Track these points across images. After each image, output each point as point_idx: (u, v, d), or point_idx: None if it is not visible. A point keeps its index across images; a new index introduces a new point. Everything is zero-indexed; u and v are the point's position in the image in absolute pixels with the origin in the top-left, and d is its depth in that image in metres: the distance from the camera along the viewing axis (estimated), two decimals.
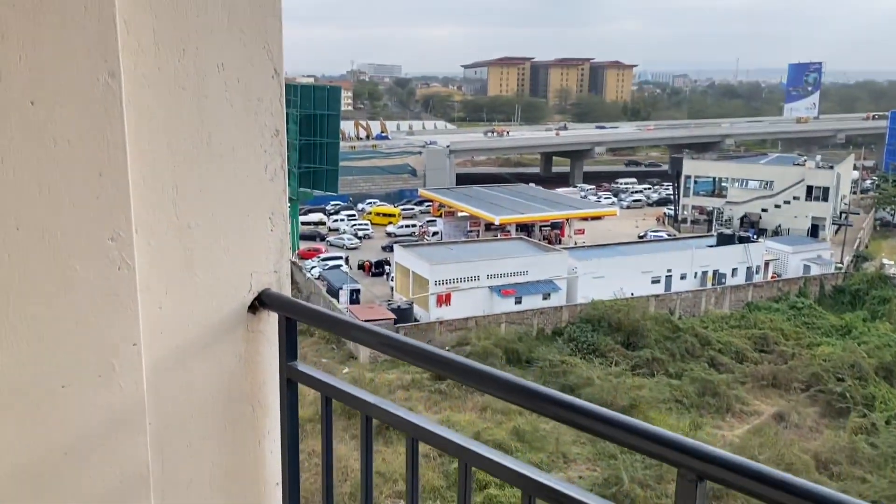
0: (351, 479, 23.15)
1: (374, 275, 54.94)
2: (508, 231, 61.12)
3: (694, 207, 75.25)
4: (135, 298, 1.97)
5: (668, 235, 67.10)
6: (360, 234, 66.27)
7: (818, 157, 76.80)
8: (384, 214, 73.35)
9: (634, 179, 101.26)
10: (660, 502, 27.37)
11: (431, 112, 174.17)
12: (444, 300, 45.89)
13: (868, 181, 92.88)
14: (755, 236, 62.05)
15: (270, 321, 2.28)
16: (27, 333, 1.88)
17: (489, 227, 62.73)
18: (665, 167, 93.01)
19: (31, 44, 1.77)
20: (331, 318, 2.23)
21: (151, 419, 2.07)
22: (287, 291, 2.32)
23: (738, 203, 72.08)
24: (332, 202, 74.35)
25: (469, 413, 34.02)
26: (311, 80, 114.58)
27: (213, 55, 2.07)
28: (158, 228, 2.05)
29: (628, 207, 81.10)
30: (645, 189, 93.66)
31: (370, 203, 79.56)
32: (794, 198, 69.35)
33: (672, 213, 76.78)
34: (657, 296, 50.11)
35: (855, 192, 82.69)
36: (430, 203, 75.41)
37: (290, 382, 2.25)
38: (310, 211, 69.45)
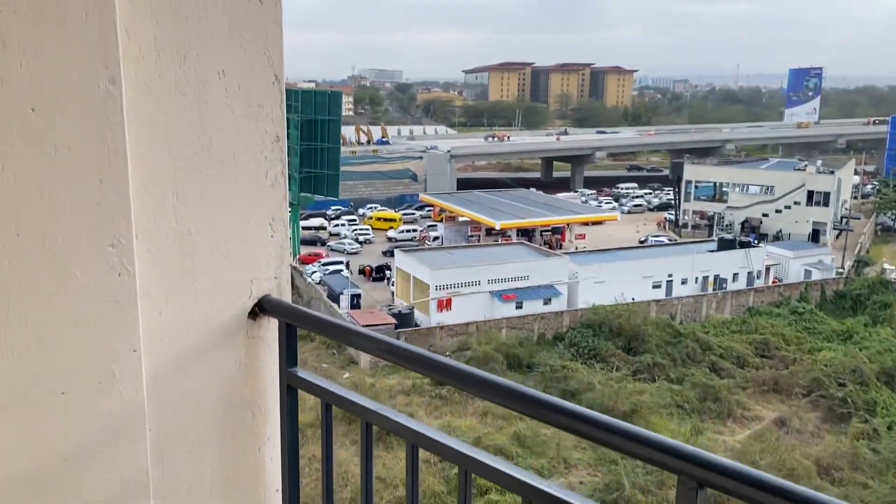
0: (351, 485, 23.12)
1: (374, 280, 54.94)
2: (509, 236, 61.13)
3: (695, 212, 75.23)
4: (135, 304, 1.97)
5: (669, 240, 67.09)
6: (361, 238, 66.28)
7: (819, 162, 76.86)
8: (385, 219, 73.37)
9: (635, 184, 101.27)
10: None
11: (432, 117, 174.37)
12: (444, 305, 45.87)
13: (869, 186, 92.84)
14: (756, 241, 62.03)
15: (271, 327, 2.27)
16: (27, 339, 1.88)
17: (490, 231, 62.74)
18: (666, 172, 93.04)
19: (33, 50, 1.77)
20: (331, 325, 2.23)
21: (151, 425, 2.07)
22: (287, 297, 2.31)
23: (738, 208, 72.07)
24: (333, 207, 74.38)
25: (470, 418, 33.99)
26: (312, 86, 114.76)
27: (213, 61, 2.07)
28: (159, 235, 2.05)
29: (629, 212, 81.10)
30: (646, 194, 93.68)
31: (371, 208, 79.59)
32: (795, 203, 69.33)
33: (673, 217, 76.78)
34: (658, 301, 50.08)
35: (856, 197, 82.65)
36: (431, 208, 75.43)
37: (290, 388, 2.24)
38: (311, 216, 69.48)
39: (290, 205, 55.11)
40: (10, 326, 1.85)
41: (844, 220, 69.36)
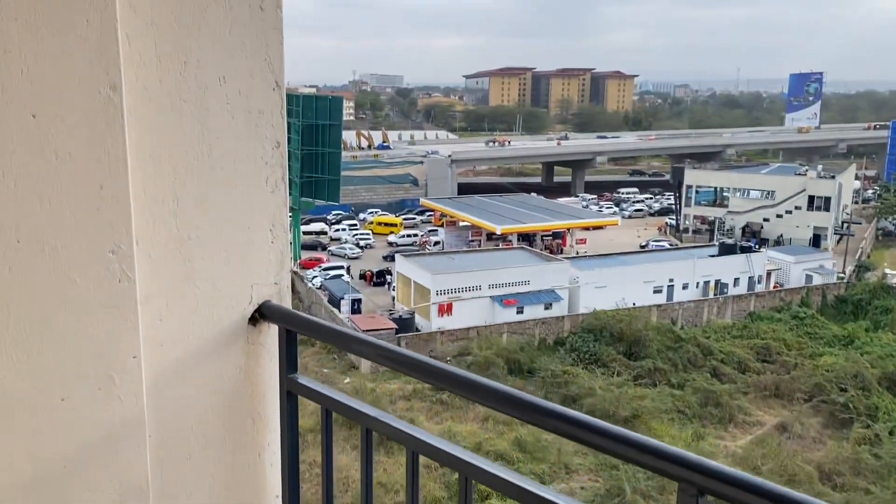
0: (352, 490, 23.09)
1: (375, 284, 54.94)
2: (510, 241, 61.13)
3: (695, 217, 75.23)
4: (135, 311, 1.97)
5: (670, 245, 67.08)
6: (362, 243, 66.29)
7: (819, 167, 76.84)
8: (386, 224, 73.40)
9: (636, 189, 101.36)
10: None
11: (433, 122, 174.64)
12: (445, 310, 45.85)
13: (870, 191, 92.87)
14: (757, 246, 62.02)
15: (271, 333, 2.27)
16: (27, 346, 1.87)
17: (491, 236, 62.75)
18: (668, 177, 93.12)
19: (34, 57, 1.78)
20: (331, 331, 2.22)
21: (151, 432, 2.06)
22: (288, 303, 2.31)
23: (739, 213, 72.07)
24: (334, 212, 74.43)
25: (471, 423, 33.94)
26: (313, 91, 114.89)
27: (214, 68, 2.08)
28: (159, 241, 2.05)
29: (630, 217, 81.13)
30: (646, 199, 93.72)
31: (372, 213, 79.63)
32: (796, 207, 69.33)
33: (674, 222, 76.78)
34: (659, 305, 50.04)
35: (857, 202, 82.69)
36: (432, 213, 75.47)
37: (291, 395, 2.24)
38: (311, 220, 69.52)
39: (291, 209, 54.97)
40: (9, 333, 1.85)
41: (845, 225, 69.32)
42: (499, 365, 40.39)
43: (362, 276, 56.09)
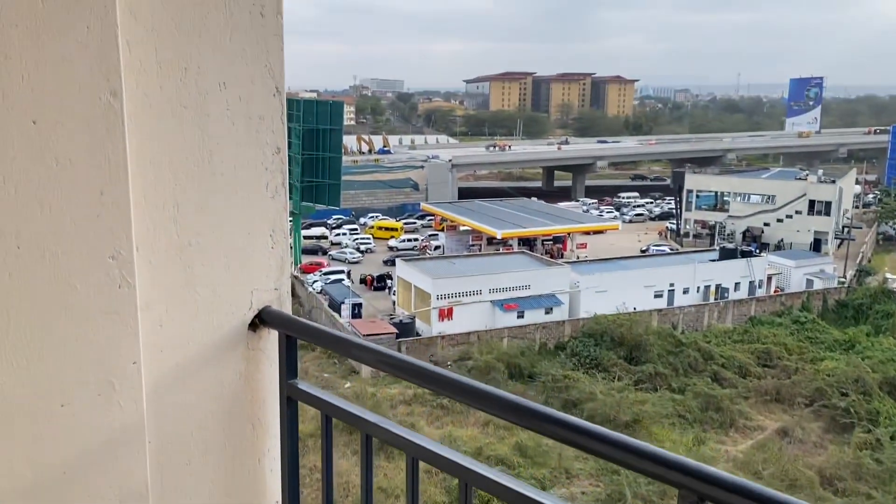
0: (352, 495, 23.03)
1: (376, 289, 54.92)
2: (510, 245, 61.15)
3: (696, 221, 75.25)
4: (135, 317, 1.97)
5: (671, 250, 67.05)
6: (363, 248, 66.28)
7: (820, 172, 76.89)
8: (386, 228, 73.42)
9: (637, 193, 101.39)
10: None
11: (433, 126, 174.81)
12: (446, 314, 45.83)
13: (870, 195, 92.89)
14: (757, 250, 62.01)
15: (271, 339, 2.27)
16: (27, 352, 1.87)
17: (491, 241, 62.76)
18: (669, 181, 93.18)
19: (34, 63, 1.78)
20: (331, 336, 2.22)
21: (151, 438, 2.06)
22: (288, 309, 2.31)
23: (740, 217, 72.08)
24: (335, 216, 74.47)
25: (471, 428, 33.90)
26: (313, 95, 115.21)
27: (214, 74, 2.08)
28: (159, 246, 2.05)
29: (630, 221, 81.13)
30: (647, 203, 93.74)
31: (372, 217, 79.67)
32: (797, 212, 69.33)
33: (674, 227, 76.80)
34: (660, 310, 50.02)
35: (857, 207, 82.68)
36: (433, 217, 75.49)
37: (290, 401, 2.24)
38: (312, 225, 69.55)
39: (292, 214, 55.29)
40: (9, 339, 1.85)
41: (846, 230, 69.34)
42: (499, 369, 40.36)
43: (363, 281, 56.08)
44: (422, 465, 1.91)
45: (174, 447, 2.14)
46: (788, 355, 44.76)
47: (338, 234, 70.89)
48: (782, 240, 68.43)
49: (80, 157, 1.85)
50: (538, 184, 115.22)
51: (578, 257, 60.63)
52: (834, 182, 70.78)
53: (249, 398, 2.27)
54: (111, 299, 1.94)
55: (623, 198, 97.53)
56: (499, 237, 61.39)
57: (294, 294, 50.06)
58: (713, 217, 73.71)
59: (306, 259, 59.95)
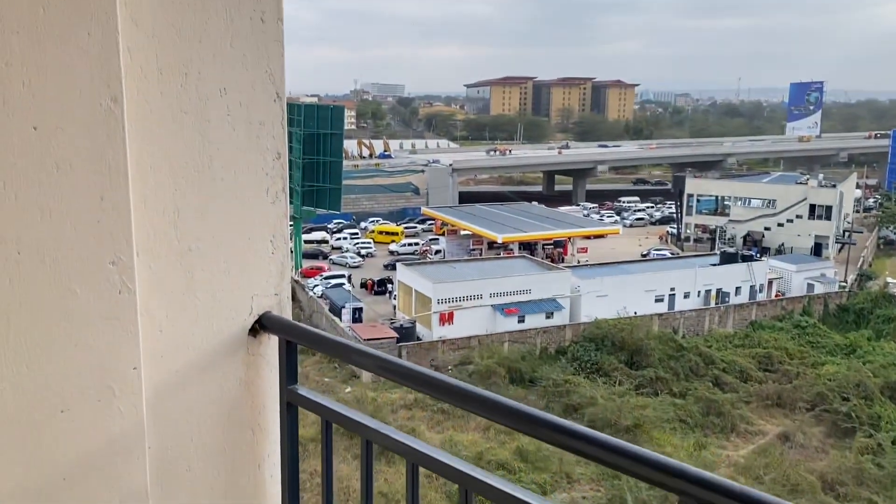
0: (352, 500, 22.99)
1: (376, 293, 54.91)
2: (511, 249, 61.12)
3: (697, 226, 75.22)
4: (135, 322, 1.97)
5: (672, 254, 67.05)
6: (363, 252, 66.28)
7: (820, 176, 76.89)
8: (387, 233, 73.42)
9: (637, 198, 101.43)
10: None
11: (434, 131, 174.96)
12: (446, 319, 45.80)
13: (871, 199, 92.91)
14: (758, 255, 61.96)
15: (271, 344, 2.27)
16: (27, 357, 1.87)
17: (492, 245, 62.74)
18: (670, 185, 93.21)
19: (35, 70, 1.78)
20: (331, 342, 2.22)
21: (151, 443, 2.06)
22: (288, 314, 2.31)
23: (740, 221, 72.06)
24: (335, 220, 74.50)
25: (472, 433, 33.85)
26: (314, 100, 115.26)
27: (215, 80, 2.09)
28: (159, 252, 2.05)
29: (631, 226, 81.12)
30: (648, 207, 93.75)
31: (373, 221, 79.69)
32: (797, 216, 69.31)
33: (675, 231, 76.78)
34: (661, 314, 49.98)
35: (858, 211, 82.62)
36: (433, 221, 75.47)
37: (290, 406, 2.24)
38: (313, 229, 69.56)
39: (293, 218, 55.35)
40: (9, 344, 1.85)
41: (847, 234, 69.29)
42: (500, 374, 40.32)
43: (363, 285, 56.07)
44: (422, 470, 1.91)
45: (174, 452, 2.14)
46: (790, 360, 44.71)
47: (338, 239, 70.89)
48: (783, 244, 68.39)
49: (80, 163, 1.85)
50: (539, 188, 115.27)
51: (579, 261, 60.58)
52: (834, 186, 70.77)
53: (249, 403, 2.27)
54: (111, 304, 1.94)
55: (624, 202, 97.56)
56: (499, 241, 61.36)
57: (295, 298, 50.06)
58: (714, 221, 73.69)
59: (307, 263, 59.97)
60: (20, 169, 1.80)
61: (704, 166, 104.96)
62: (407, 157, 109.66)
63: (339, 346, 2.18)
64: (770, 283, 55.74)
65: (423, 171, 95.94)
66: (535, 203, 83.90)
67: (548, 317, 47.32)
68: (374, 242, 69.47)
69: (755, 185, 76.47)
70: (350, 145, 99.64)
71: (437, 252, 65.72)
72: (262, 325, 2.25)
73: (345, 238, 70.89)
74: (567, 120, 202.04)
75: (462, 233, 66.87)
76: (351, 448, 22.16)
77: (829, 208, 68.24)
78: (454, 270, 50.98)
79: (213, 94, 2.09)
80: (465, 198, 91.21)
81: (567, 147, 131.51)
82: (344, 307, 46.95)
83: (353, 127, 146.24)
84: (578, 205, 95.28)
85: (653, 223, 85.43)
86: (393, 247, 68.43)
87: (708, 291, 53.19)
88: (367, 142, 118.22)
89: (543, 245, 64.24)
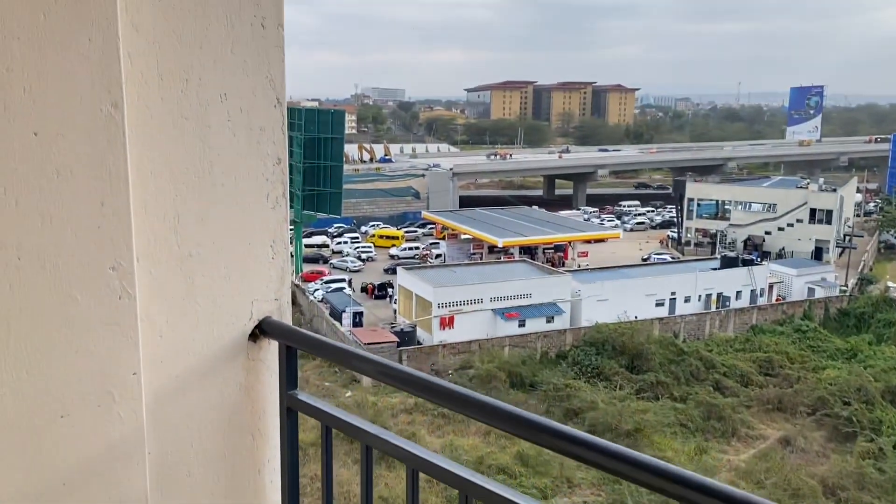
0: None
1: (377, 297, 54.91)
2: (511, 254, 61.15)
3: (697, 230, 75.26)
4: (135, 327, 1.98)
5: (672, 258, 67.04)
6: (364, 256, 66.31)
7: (821, 180, 76.92)
8: (387, 237, 73.44)
9: (638, 202, 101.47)
10: None
11: (435, 135, 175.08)
12: (447, 323, 45.79)
13: (871, 204, 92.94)
14: (759, 259, 61.97)
15: (271, 349, 2.27)
16: (27, 363, 1.87)
17: (492, 249, 62.76)
18: (671, 190, 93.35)
19: (36, 75, 1.79)
20: (331, 347, 2.22)
21: (151, 448, 2.06)
22: (288, 320, 2.31)
23: (741, 226, 72.09)
24: (336, 225, 74.53)
25: (473, 437, 33.81)
26: (315, 104, 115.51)
27: (215, 85, 2.09)
28: (160, 257, 2.05)
29: (632, 230, 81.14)
30: (648, 212, 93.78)
31: (373, 225, 79.72)
32: (798, 220, 69.33)
33: (675, 235, 76.81)
34: (661, 319, 49.96)
35: (858, 215, 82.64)
36: (434, 225, 75.54)
37: (290, 411, 2.24)
38: (313, 233, 69.60)
39: (293, 222, 55.39)
40: (9, 349, 1.85)
41: (847, 238, 69.30)
42: (501, 378, 40.28)
43: (364, 289, 56.08)
44: (422, 475, 1.90)
45: (174, 458, 2.14)
46: (790, 364, 44.67)
47: (339, 243, 70.92)
48: (783, 248, 68.40)
49: (81, 169, 1.86)
50: (539, 192, 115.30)
51: (580, 266, 60.59)
52: (835, 191, 70.82)
53: (249, 409, 2.27)
54: (111, 310, 1.94)
55: (624, 206, 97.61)
56: (500, 246, 61.40)
57: (295, 302, 50.06)
58: (714, 225, 73.72)
59: (307, 268, 59.98)
60: (21, 175, 1.81)
61: (705, 170, 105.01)
62: (407, 162, 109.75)
63: (339, 352, 2.18)
64: (771, 287, 55.73)
65: (423, 176, 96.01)
66: (535, 207, 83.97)
67: (548, 321, 47.30)
68: (375, 246, 69.49)
69: (756, 190, 76.52)
70: (351, 149, 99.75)
71: (438, 256, 65.72)
72: (263, 330, 2.25)
73: (345, 242, 70.93)
74: (567, 124, 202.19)
75: (463, 237, 66.90)
76: (351, 452, 22.14)
77: (829, 212, 68.26)
78: (455, 274, 50.98)
79: (213, 99, 2.09)
80: (466, 202, 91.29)
81: (567, 151, 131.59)
82: (344, 311, 46.94)
83: (354, 131, 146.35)
84: (579, 209, 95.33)
85: (653, 227, 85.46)
86: (393, 251, 68.43)
87: (709, 295, 53.18)
88: (367, 146, 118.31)
89: (544, 249, 64.25)
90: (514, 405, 1.73)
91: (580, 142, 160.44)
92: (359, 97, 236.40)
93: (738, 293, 54.05)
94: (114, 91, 1.86)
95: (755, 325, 52.05)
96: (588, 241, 66.99)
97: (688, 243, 74.45)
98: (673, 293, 51.91)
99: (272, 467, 2.31)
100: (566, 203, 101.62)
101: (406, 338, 44.64)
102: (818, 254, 66.72)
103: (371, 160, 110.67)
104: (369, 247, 69.15)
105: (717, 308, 52.84)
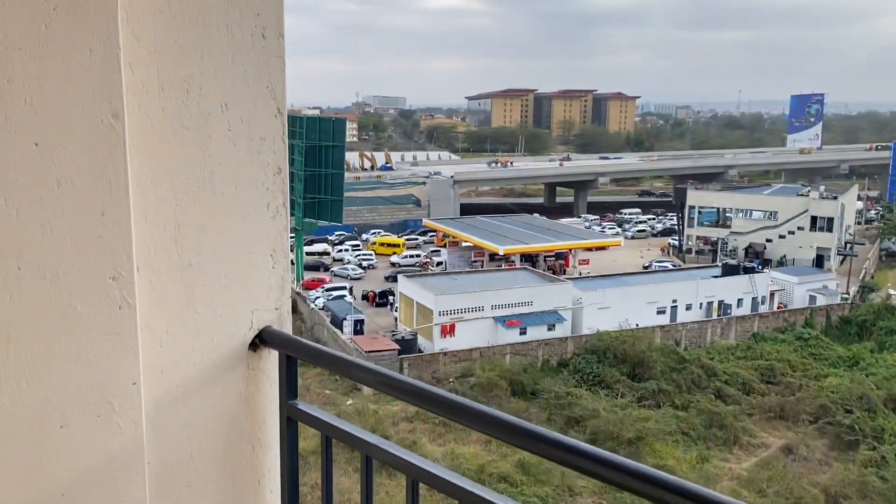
0: None
1: (377, 305, 54.87)
2: (513, 261, 61.11)
3: (698, 238, 75.21)
4: (135, 337, 1.97)
5: (673, 266, 67.00)
6: (364, 264, 66.30)
7: (822, 188, 76.89)
8: (388, 244, 73.44)
9: (639, 210, 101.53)
10: None
11: (435, 143, 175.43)
12: (448, 331, 45.73)
13: (872, 211, 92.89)
14: (760, 267, 61.91)
15: (271, 359, 2.27)
16: (27, 373, 1.87)
17: (493, 257, 62.73)
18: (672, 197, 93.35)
19: (37, 86, 1.79)
20: (331, 357, 2.22)
21: (151, 458, 2.05)
22: (288, 329, 2.31)
23: (742, 233, 72.06)
24: (337, 232, 74.56)
25: (474, 446, 33.71)
26: (316, 112, 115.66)
27: (216, 95, 2.09)
28: (160, 267, 2.05)
29: (633, 238, 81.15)
30: (649, 219, 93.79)
31: (374, 233, 79.76)
32: (799, 228, 69.30)
33: (677, 243, 76.78)
34: (663, 326, 49.89)
35: (860, 223, 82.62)
36: (434, 233, 75.55)
37: (290, 421, 2.23)
38: (314, 241, 69.62)
39: (294, 230, 55.39)
40: (9, 359, 1.85)
41: (849, 246, 69.24)
42: (502, 387, 40.19)
43: (365, 297, 56.05)
44: (422, 485, 1.90)
45: (174, 468, 2.13)
46: (792, 372, 44.58)
47: (340, 251, 70.95)
48: (785, 256, 68.35)
49: (81, 179, 1.86)
50: (540, 200, 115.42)
51: (581, 273, 60.54)
52: (836, 198, 70.79)
53: (249, 418, 2.26)
54: (112, 320, 1.94)
55: (625, 214, 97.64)
56: (501, 253, 61.37)
57: (296, 310, 50.03)
58: (715, 233, 73.69)
59: (308, 275, 59.97)
60: (21, 185, 1.81)
61: (706, 178, 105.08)
62: (408, 169, 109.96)
63: (339, 361, 2.18)
64: (772, 294, 55.67)
65: (424, 183, 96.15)
66: (536, 215, 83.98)
67: (549, 329, 47.24)
68: (376, 254, 69.50)
69: (756, 197, 76.50)
70: (352, 157, 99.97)
71: (439, 264, 65.71)
72: (263, 339, 2.25)
73: (346, 250, 70.95)
74: (568, 132, 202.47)
75: (464, 244, 66.88)
76: (352, 461, 22.07)
77: (830, 220, 68.22)
78: (456, 282, 50.96)
79: (214, 109, 2.09)
80: (467, 210, 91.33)
81: (568, 159, 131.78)
82: (345, 319, 46.90)
83: (355, 139, 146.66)
84: (580, 216, 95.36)
85: (654, 235, 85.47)
86: (394, 259, 68.44)
87: (710, 303, 53.12)
88: (368, 154, 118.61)
89: (545, 257, 64.25)
90: (515, 414, 1.72)
91: (581, 149, 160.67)
92: (360, 105, 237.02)
93: (740, 301, 53.99)
94: (114, 101, 1.86)
95: (757, 333, 51.97)
96: (589, 249, 66.97)
97: (689, 251, 74.42)
98: (674, 301, 51.85)
99: (272, 477, 2.30)
100: (567, 211, 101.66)
101: (407, 346, 44.58)
102: (819, 261, 66.65)
103: (372, 168, 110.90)
104: (370, 254, 69.16)
105: (718, 316, 52.77)
